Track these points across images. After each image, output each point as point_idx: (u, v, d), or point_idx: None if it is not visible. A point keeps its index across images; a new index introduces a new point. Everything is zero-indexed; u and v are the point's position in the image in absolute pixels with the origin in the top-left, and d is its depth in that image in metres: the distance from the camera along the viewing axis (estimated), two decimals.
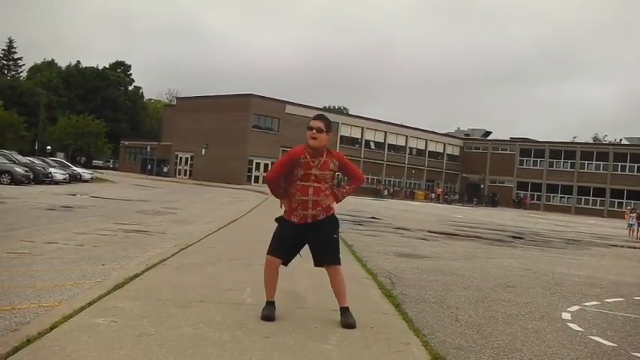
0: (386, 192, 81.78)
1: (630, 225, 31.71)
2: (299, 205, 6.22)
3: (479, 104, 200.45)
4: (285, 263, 6.38)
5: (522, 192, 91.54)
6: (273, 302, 6.32)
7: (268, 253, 6.34)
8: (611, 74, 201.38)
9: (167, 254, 10.36)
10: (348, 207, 38.09)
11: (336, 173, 6.43)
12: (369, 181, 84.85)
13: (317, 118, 6.36)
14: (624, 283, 12.22)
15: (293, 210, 6.26)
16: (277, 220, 6.45)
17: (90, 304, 6.26)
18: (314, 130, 6.22)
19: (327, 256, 6.36)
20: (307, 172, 6.20)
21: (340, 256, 6.50)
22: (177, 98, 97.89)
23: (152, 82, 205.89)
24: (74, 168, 47.88)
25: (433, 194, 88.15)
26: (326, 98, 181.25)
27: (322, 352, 5.20)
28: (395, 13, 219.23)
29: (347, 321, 6.15)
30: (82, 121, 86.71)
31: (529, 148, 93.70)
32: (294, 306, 6.70)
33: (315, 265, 6.46)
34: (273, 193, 6.47)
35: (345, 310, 6.27)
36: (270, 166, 71.49)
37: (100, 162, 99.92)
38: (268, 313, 6.19)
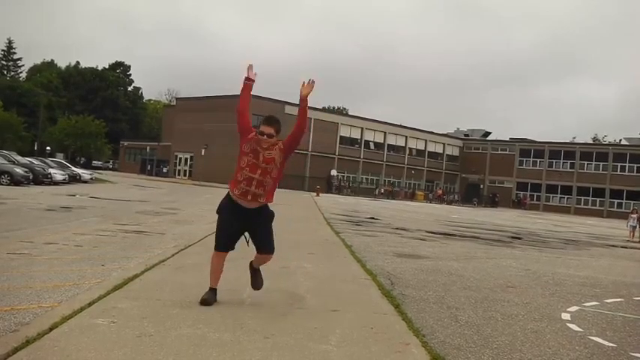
0: (377, 192, 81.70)
1: (632, 227, 31.36)
2: (244, 179, 6.51)
3: (478, 104, 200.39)
4: (232, 249, 6.96)
5: (522, 192, 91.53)
6: (216, 290, 6.83)
7: (216, 249, 6.87)
8: (610, 74, 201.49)
9: (167, 255, 10.37)
10: (347, 207, 38.11)
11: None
12: (369, 181, 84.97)
13: (268, 123, 6.65)
14: (624, 284, 12.22)
15: (237, 183, 6.56)
16: (218, 210, 6.92)
17: (89, 304, 6.26)
18: (265, 136, 6.57)
19: (266, 246, 6.91)
20: (258, 148, 6.55)
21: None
22: (177, 99, 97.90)
23: (152, 83, 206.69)
24: (74, 169, 47.83)
25: (431, 194, 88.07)
26: (325, 98, 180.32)
27: (322, 353, 5.20)
28: (394, 14, 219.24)
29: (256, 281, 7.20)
30: (81, 122, 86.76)
31: (528, 149, 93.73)
32: (293, 307, 6.71)
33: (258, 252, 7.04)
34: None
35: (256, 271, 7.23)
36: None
37: (100, 162, 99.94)
38: (207, 298, 6.65)
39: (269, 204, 6.79)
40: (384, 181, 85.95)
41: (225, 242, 6.80)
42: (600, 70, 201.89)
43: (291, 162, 7.44)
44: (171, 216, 20.75)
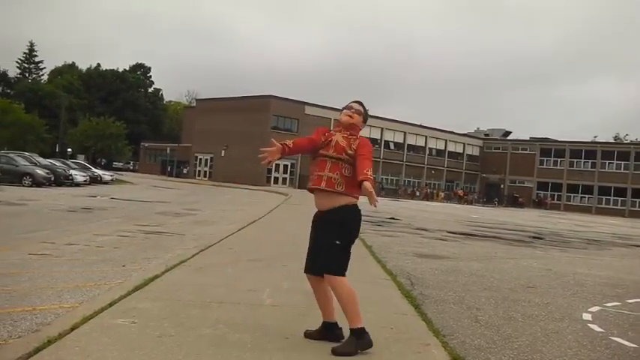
0: (418, 193, 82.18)
1: None
2: (315, 177, 5.57)
3: (498, 104, 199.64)
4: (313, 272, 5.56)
5: (542, 192, 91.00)
6: (331, 322, 5.64)
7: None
8: (632, 73, 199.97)
9: (187, 255, 10.39)
10: (367, 207, 38.05)
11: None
12: (389, 181, 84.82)
13: (357, 102, 5.84)
14: None
15: (310, 181, 5.66)
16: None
17: (110, 305, 6.29)
18: (353, 110, 5.73)
19: (318, 262, 5.48)
20: (330, 140, 5.59)
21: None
22: (197, 100, 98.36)
23: (172, 84, 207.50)
24: (94, 170, 48.19)
25: (452, 194, 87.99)
26: (345, 99, 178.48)
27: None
28: (415, 13, 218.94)
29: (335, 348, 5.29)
30: (102, 124, 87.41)
31: (549, 148, 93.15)
32: (314, 307, 6.70)
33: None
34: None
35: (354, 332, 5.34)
36: (289, 167, 71.82)
37: (120, 164, 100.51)
38: (311, 333, 5.66)
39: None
40: (425, 183, 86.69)
41: (307, 260, 5.66)
42: (622, 68, 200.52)
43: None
44: (192, 217, 20.82)
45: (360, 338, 5.26)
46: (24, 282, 7.80)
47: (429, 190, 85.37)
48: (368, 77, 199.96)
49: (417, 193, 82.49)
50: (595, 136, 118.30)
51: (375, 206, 5.20)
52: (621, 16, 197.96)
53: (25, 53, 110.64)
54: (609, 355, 6.21)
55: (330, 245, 5.36)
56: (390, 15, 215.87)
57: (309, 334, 5.61)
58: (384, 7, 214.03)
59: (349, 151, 5.45)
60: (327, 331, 5.57)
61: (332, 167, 5.46)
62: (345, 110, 5.75)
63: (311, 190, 5.62)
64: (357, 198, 5.53)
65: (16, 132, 70.50)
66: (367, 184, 5.06)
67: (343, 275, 5.36)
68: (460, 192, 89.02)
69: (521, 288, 10.21)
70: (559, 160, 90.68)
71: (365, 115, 5.81)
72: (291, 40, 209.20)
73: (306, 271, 5.62)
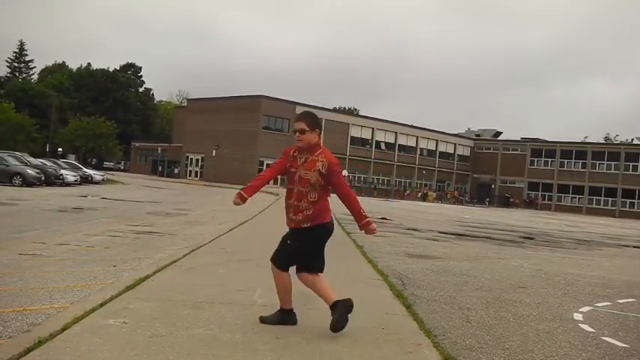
0: (449, 196, 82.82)
1: None
2: (286, 207, 6.03)
3: (490, 104, 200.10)
4: (286, 269, 6.04)
5: (533, 192, 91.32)
6: (289, 310, 6.16)
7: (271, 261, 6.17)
8: (622, 74, 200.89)
9: (178, 255, 10.38)
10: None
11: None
12: (380, 181, 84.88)
13: (298, 118, 6.04)
14: (636, 284, 12.16)
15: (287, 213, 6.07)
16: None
17: (101, 305, 6.28)
18: (297, 133, 5.96)
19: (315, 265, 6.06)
20: (294, 170, 5.94)
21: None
22: (188, 100, 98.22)
23: (163, 84, 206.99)
24: (85, 170, 48.05)
25: (448, 194, 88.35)
26: (336, 99, 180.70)
27: (333, 353, 5.20)
28: (407, 14, 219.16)
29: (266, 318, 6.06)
30: (92, 123, 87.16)
31: (540, 149, 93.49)
32: (305, 307, 6.70)
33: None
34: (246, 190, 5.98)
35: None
36: None
37: (111, 163, 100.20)
38: (266, 318, 6.11)
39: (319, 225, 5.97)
40: (453, 187, 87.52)
41: (278, 256, 6.08)
42: (613, 70, 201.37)
43: None
44: (183, 217, 20.80)
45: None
46: (14, 282, 7.77)
47: (424, 191, 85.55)
48: (359, 77, 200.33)
49: (407, 192, 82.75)
50: (585, 137, 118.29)
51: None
52: (612, 17, 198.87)
53: (15, 52, 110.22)
54: (600, 355, 6.23)
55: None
56: (382, 15, 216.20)
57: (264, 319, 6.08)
58: (377, 7, 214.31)
59: (318, 177, 5.88)
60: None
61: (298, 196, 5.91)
62: (295, 136, 6.00)
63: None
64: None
65: (6, 132, 70.22)
66: (372, 227, 6.03)
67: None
68: (455, 193, 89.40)
69: (512, 288, 10.23)
70: (550, 160, 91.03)
71: (314, 123, 6.03)
72: (282, 39, 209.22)
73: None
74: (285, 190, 6.07)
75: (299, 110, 71.08)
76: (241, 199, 5.93)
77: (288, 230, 6.06)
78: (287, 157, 6.05)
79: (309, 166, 5.87)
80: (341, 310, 5.81)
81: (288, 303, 6.12)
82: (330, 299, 5.94)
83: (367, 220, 6.02)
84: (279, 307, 6.14)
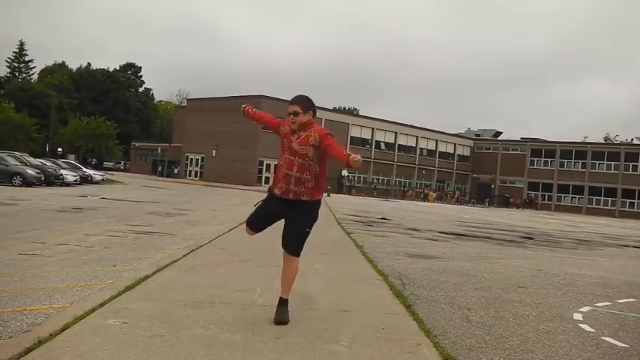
0: (449, 197, 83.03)
1: None
2: (283, 178, 6.20)
3: (489, 104, 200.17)
4: (258, 232, 6.60)
5: (533, 192, 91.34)
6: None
7: (246, 222, 6.62)
8: (622, 74, 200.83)
9: (178, 255, 10.38)
10: (359, 207, 38.11)
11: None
12: (380, 181, 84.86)
13: (292, 102, 6.30)
14: (636, 284, 12.15)
15: (277, 181, 6.29)
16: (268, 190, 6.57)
17: (101, 305, 6.28)
18: (291, 116, 6.22)
19: (291, 244, 6.25)
20: (289, 143, 6.23)
21: (301, 249, 6.35)
22: (188, 99, 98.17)
23: (163, 84, 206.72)
24: (85, 170, 48.05)
25: (449, 194, 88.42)
26: (336, 99, 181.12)
27: (333, 353, 5.20)
28: (408, 14, 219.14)
29: (280, 317, 6.08)
30: (92, 123, 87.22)
31: (540, 149, 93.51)
32: (305, 307, 6.70)
33: (282, 246, 6.35)
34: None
35: (283, 302, 6.22)
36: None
37: (111, 163, 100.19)
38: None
39: (318, 201, 6.39)
40: (453, 187, 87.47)
41: (252, 217, 6.54)
42: (613, 70, 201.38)
43: None
44: (183, 217, 20.79)
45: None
46: (14, 282, 7.76)
47: (424, 191, 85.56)
48: (359, 77, 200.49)
49: (409, 192, 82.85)
50: (585, 137, 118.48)
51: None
52: (612, 17, 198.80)
53: (14, 52, 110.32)
54: (600, 355, 6.22)
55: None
56: (383, 15, 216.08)
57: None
58: (377, 7, 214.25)
59: (314, 151, 6.16)
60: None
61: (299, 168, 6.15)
62: (289, 119, 6.27)
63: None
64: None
65: (5, 131, 70.26)
66: (354, 158, 5.87)
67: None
68: (458, 193, 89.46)
69: (512, 288, 10.22)
70: (550, 160, 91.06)
71: (307, 106, 6.30)
72: (282, 39, 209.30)
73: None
74: (282, 159, 6.26)
75: None
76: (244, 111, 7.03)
77: (274, 202, 6.35)
78: (279, 124, 6.53)
79: (303, 142, 6.16)
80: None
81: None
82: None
83: (348, 155, 5.93)
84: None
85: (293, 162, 6.14)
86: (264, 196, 6.48)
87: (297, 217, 6.22)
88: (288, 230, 6.29)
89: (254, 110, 6.88)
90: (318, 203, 6.37)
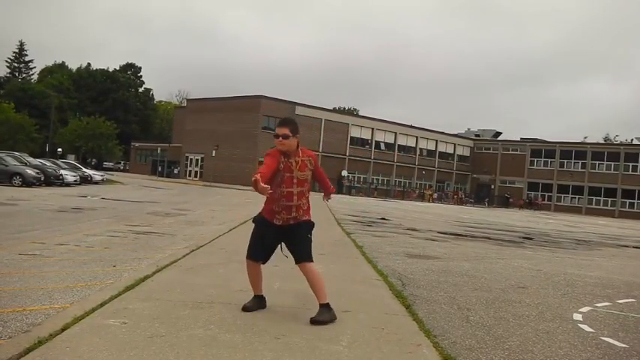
0: (452, 197, 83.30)
1: None
2: (283, 209, 6.33)
3: (489, 105, 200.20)
4: (264, 262, 6.58)
5: (533, 192, 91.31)
6: (261, 295, 6.69)
7: (248, 257, 6.55)
8: (622, 74, 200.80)
9: (178, 255, 10.38)
10: (359, 208, 38.11)
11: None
12: (379, 182, 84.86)
13: (281, 124, 6.38)
14: (636, 284, 12.15)
15: (275, 213, 6.36)
16: (255, 220, 6.59)
17: (101, 305, 6.28)
18: (280, 138, 6.30)
19: (305, 254, 6.34)
20: (289, 174, 6.29)
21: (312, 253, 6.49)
22: (188, 100, 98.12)
23: (162, 84, 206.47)
24: (85, 170, 48.02)
25: (451, 194, 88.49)
26: (336, 99, 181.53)
27: (333, 354, 5.20)
28: (407, 14, 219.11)
29: (318, 317, 6.18)
30: (92, 123, 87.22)
31: (539, 149, 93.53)
32: (304, 307, 6.70)
33: (296, 262, 6.45)
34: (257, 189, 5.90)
35: (323, 306, 6.30)
36: None
37: (111, 164, 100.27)
38: (250, 305, 6.51)
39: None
40: (453, 187, 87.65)
41: (256, 251, 6.50)
42: (612, 70, 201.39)
43: None
44: (182, 217, 20.78)
45: None
46: (14, 282, 7.76)
47: (424, 191, 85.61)
48: (359, 77, 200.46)
49: (415, 193, 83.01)
50: (585, 137, 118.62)
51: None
52: (612, 17, 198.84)
53: (14, 52, 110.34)
54: (600, 355, 6.22)
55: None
56: (382, 15, 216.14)
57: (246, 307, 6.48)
58: (377, 7, 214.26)
59: (309, 175, 6.54)
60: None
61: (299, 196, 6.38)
62: (275, 140, 6.40)
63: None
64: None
65: (5, 131, 70.25)
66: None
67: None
68: (460, 193, 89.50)
69: (511, 288, 10.23)
70: (549, 160, 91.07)
71: (296, 130, 6.41)
72: (282, 40, 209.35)
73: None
74: (277, 193, 6.28)
75: (299, 110, 71.46)
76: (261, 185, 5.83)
77: (273, 230, 6.41)
78: (278, 160, 6.28)
79: (302, 168, 6.38)
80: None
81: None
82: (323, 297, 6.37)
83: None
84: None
85: (292, 193, 6.32)
86: (263, 196, 6.42)
87: (299, 232, 6.41)
88: (295, 246, 6.43)
89: (264, 177, 5.97)
90: (310, 220, 6.60)
